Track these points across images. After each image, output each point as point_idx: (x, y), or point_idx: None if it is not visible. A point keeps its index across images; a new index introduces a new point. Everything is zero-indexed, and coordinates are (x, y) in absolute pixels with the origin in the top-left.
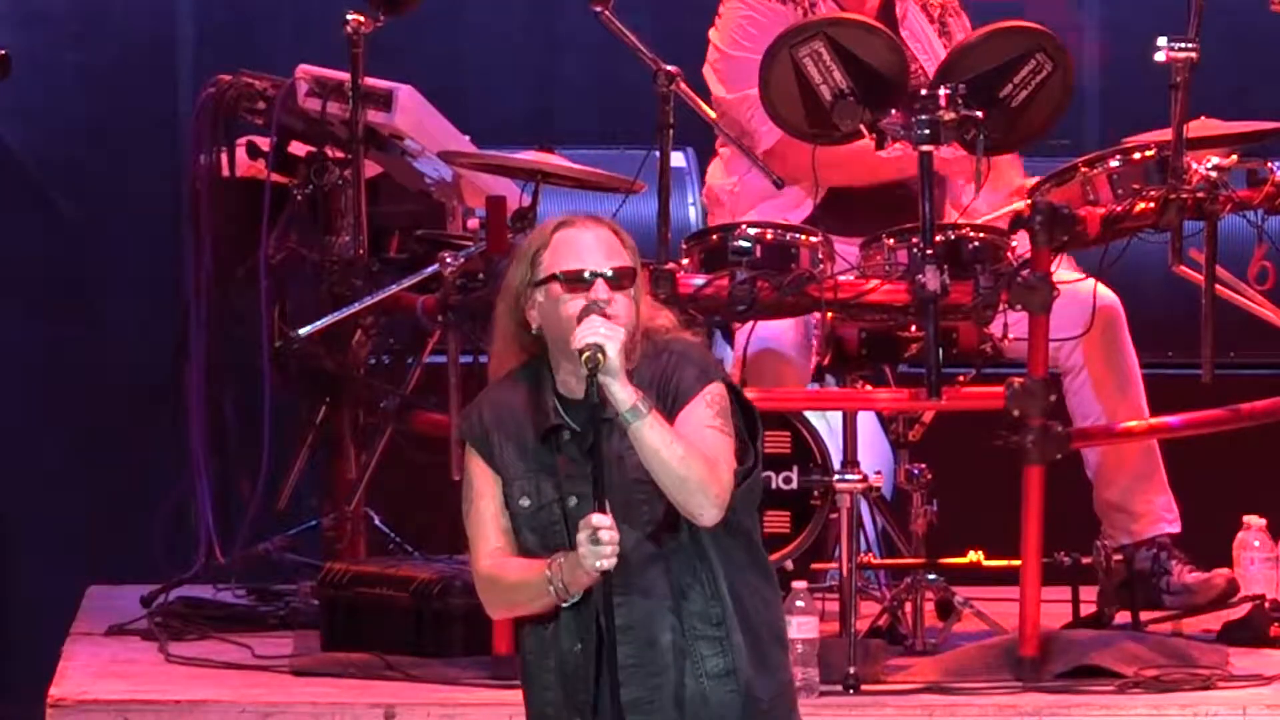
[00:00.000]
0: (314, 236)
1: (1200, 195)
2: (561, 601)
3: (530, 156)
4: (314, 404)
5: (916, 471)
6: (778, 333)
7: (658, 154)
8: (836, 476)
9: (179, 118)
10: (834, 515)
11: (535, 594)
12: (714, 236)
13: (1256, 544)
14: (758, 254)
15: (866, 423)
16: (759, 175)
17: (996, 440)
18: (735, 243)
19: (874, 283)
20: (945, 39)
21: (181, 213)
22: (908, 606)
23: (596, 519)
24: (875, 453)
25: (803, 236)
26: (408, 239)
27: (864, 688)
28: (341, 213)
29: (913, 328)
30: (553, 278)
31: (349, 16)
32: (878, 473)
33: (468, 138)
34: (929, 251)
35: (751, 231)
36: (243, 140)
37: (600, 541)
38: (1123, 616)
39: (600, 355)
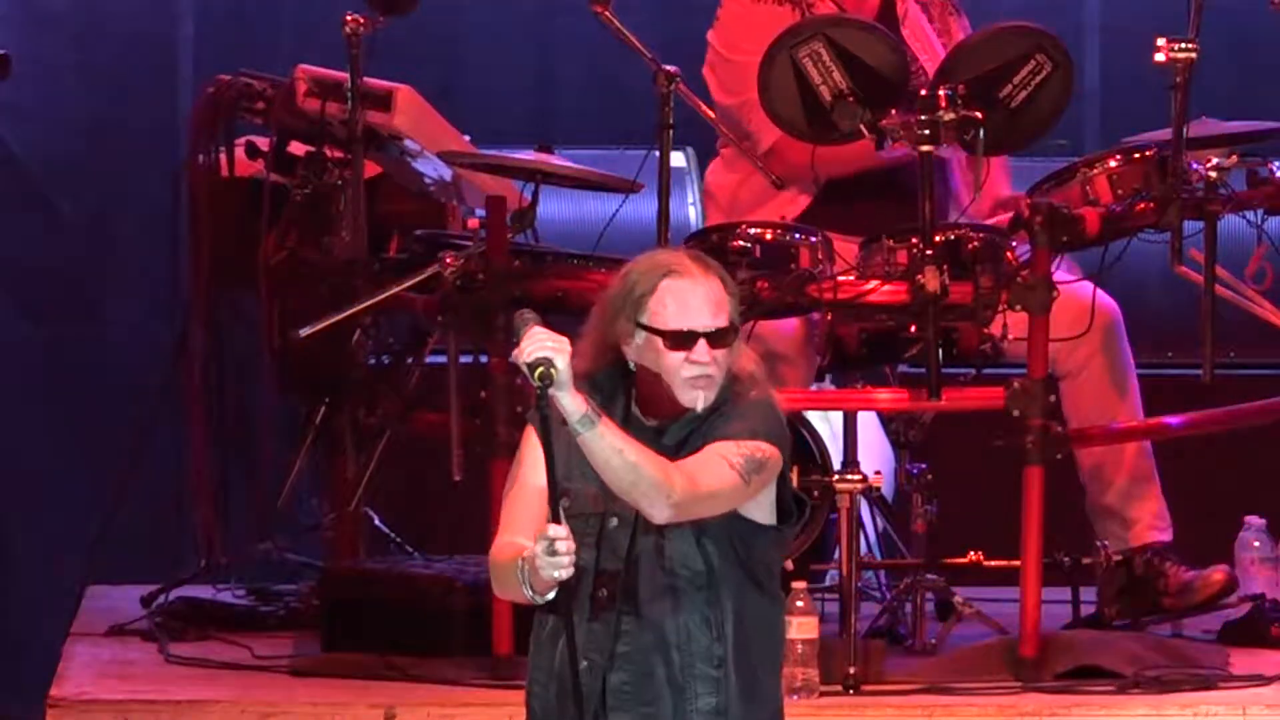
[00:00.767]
0: (314, 236)
1: (1200, 195)
2: (531, 599)
3: (530, 156)
4: (314, 404)
5: (916, 471)
6: (779, 333)
7: (658, 154)
8: (836, 477)
9: (179, 118)
10: (834, 515)
11: (514, 585)
12: (714, 236)
13: (1256, 544)
14: (758, 254)
15: (867, 423)
16: (758, 176)
17: (996, 440)
18: (735, 243)
19: (874, 283)
20: (945, 39)
21: (181, 213)
22: (908, 606)
23: (553, 530)
24: (876, 453)
25: (803, 236)
26: (408, 239)
27: (864, 688)
28: (341, 213)
29: (913, 328)
30: (657, 332)
31: (348, 17)
32: (878, 473)
33: (467, 138)
34: (929, 251)
35: (751, 231)
36: (242, 140)
37: (556, 553)
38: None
39: (552, 370)
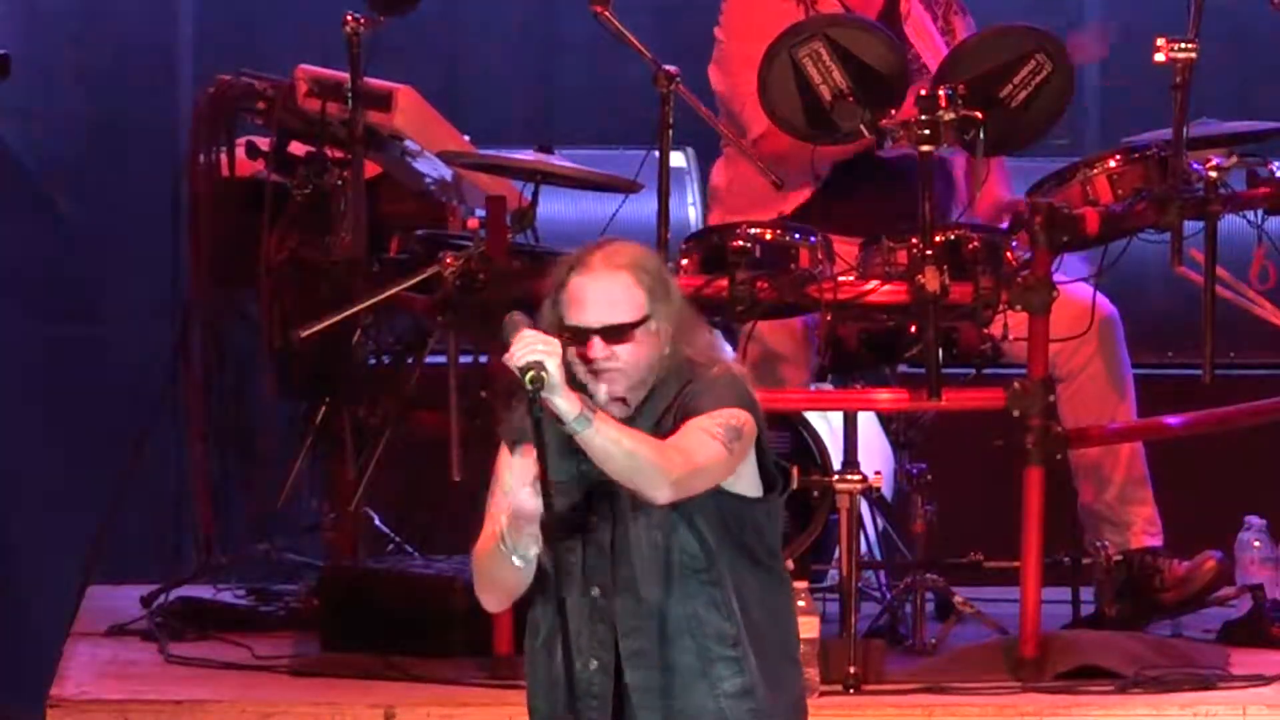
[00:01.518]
0: (314, 236)
1: (1200, 195)
2: (509, 557)
3: (530, 156)
4: (314, 404)
5: (916, 471)
6: (779, 333)
7: (657, 154)
8: (836, 477)
9: (179, 118)
10: (834, 515)
11: (498, 563)
12: (714, 236)
13: (1256, 544)
14: (758, 254)
15: (867, 423)
16: (758, 175)
17: (996, 440)
18: (735, 243)
19: (874, 283)
20: (949, 37)
21: (181, 213)
22: (908, 606)
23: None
24: (876, 453)
25: (802, 236)
26: (408, 239)
27: (864, 688)
28: (341, 213)
29: (913, 328)
30: (559, 327)
31: (348, 17)
32: (877, 473)
33: (467, 138)
34: (929, 251)
35: (751, 231)
36: (242, 140)
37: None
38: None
39: (543, 373)
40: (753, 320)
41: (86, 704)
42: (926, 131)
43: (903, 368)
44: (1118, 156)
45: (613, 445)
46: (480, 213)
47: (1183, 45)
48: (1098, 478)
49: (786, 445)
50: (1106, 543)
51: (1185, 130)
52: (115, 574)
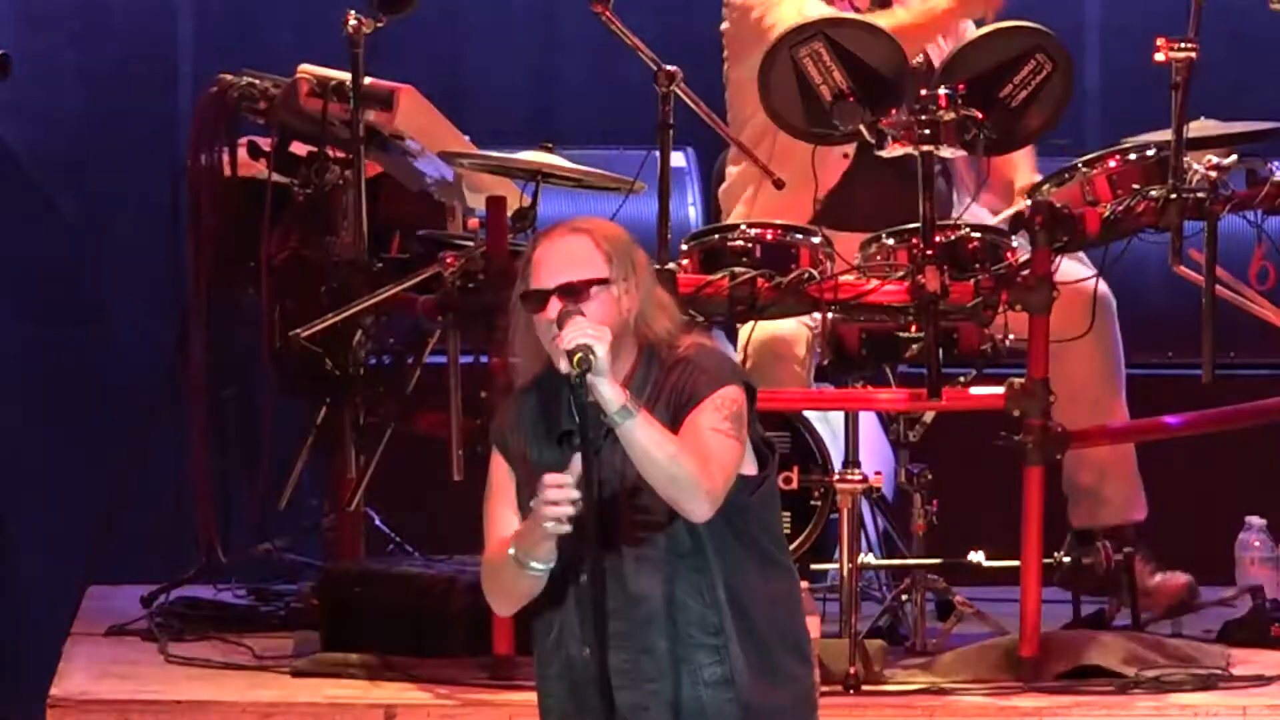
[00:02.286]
0: (314, 236)
1: (1200, 195)
2: (523, 570)
3: (530, 156)
4: (314, 404)
5: (916, 471)
6: (779, 333)
7: (658, 154)
8: (837, 477)
9: (179, 118)
10: (834, 515)
11: (509, 572)
12: (714, 236)
13: (1256, 544)
14: (758, 254)
15: (867, 423)
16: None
17: (996, 440)
18: (735, 243)
19: (874, 283)
20: (949, 37)
21: (181, 213)
22: (908, 606)
23: (550, 477)
24: (876, 453)
25: (803, 236)
26: (408, 239)
27: (864, 688)
28: (342, 213)
29: (913, 328)
30: (522, 299)
31: (349, 17)
32: (878, 473)
33: (468, 138)
34: (929, 251)
35: (751, 231)
36: (244, 140)
37: (552, 500)
38: (1122, 617)
39: (591, 356)
40: (753, 320)
41: (86, 704)
42: (926, 131)
43: (903, 368)
44: (1118, 156)
45: (655, 447)
46: (480, 213)
47: (1183, 45)
48: (1080, 453)
49: (786, 445)
50: (1107, 543)
51: (1185, 130)
52: (115, 574)
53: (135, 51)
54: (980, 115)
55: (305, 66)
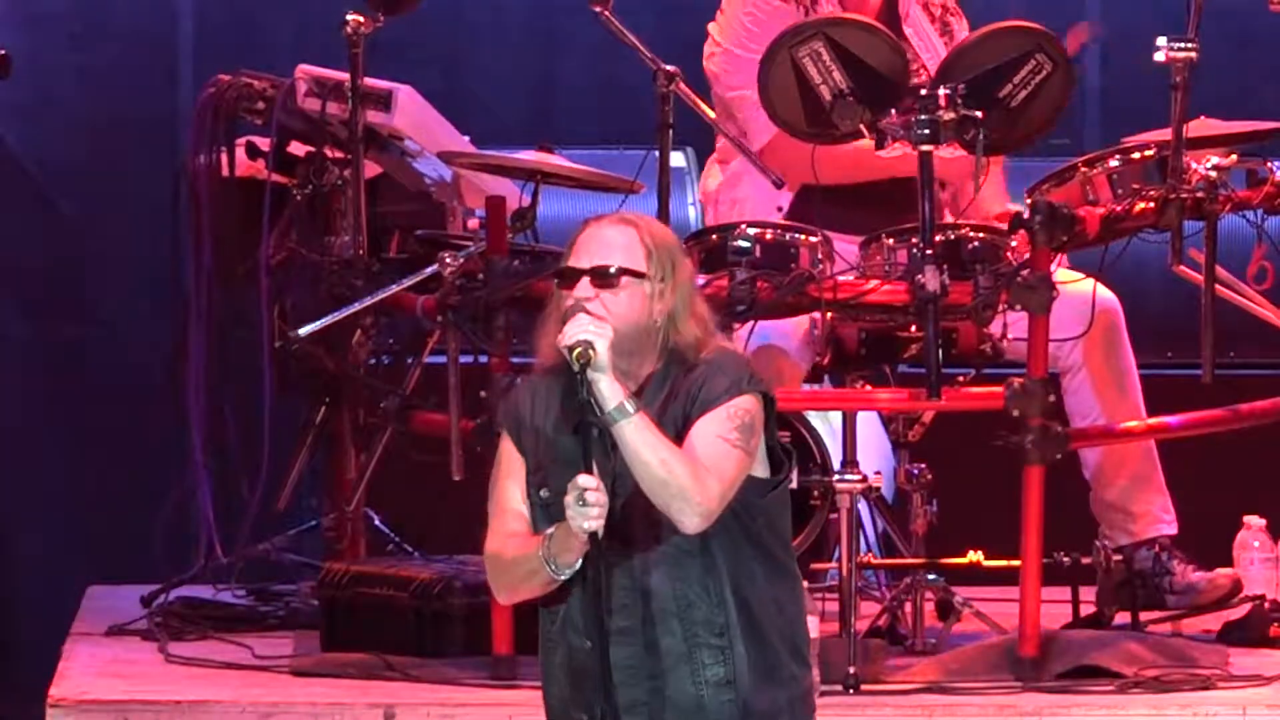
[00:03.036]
0: (314, 236)
1: (1200, 195)
2: (554, 576)
3: (530, 156)
4: (314, 404)
5: (916, 471)
6: (779, 332)
7: (658, 154)
8: (836, 477)
9: (179, 118)
10: (834, 515)
11: (530, 570)
12: (714, 236)
13: (1256, 544)
14: (758, 254)
15: (867, 423)
16: (755, 174)
17: (996, 440)
18: (735, 243)
19: (874, 283)
20: (947, 38)
21: (181, 213)
22: (908, 606)
23: (583, 480)
24: (875, 453)
25: (803, 236)
26: (408, 239)
27: (864, 688)
28: (341, 213)
29: (913, 328)
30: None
31: (349, 17)
32: (877, 473)
33: (467, 138)
34: (929, 251)
35: (751, 231)
36: (242, 140)
37: (586, 503)
38: (1123, 617)
39: (591, 351)
40: (753, 320)
41: (86, 704)
42: (926, 131)
43: (903, 368)
44: (1118, 156)
45: (647, 449)
46: (480, 213)
47: (1183, 45)
48: (1106, 469)
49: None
50: (1109, 539)
51: (1185, 130)
52: (115, 574)
53: (135, 51)
54: (980, 115)
55: (304, 66)
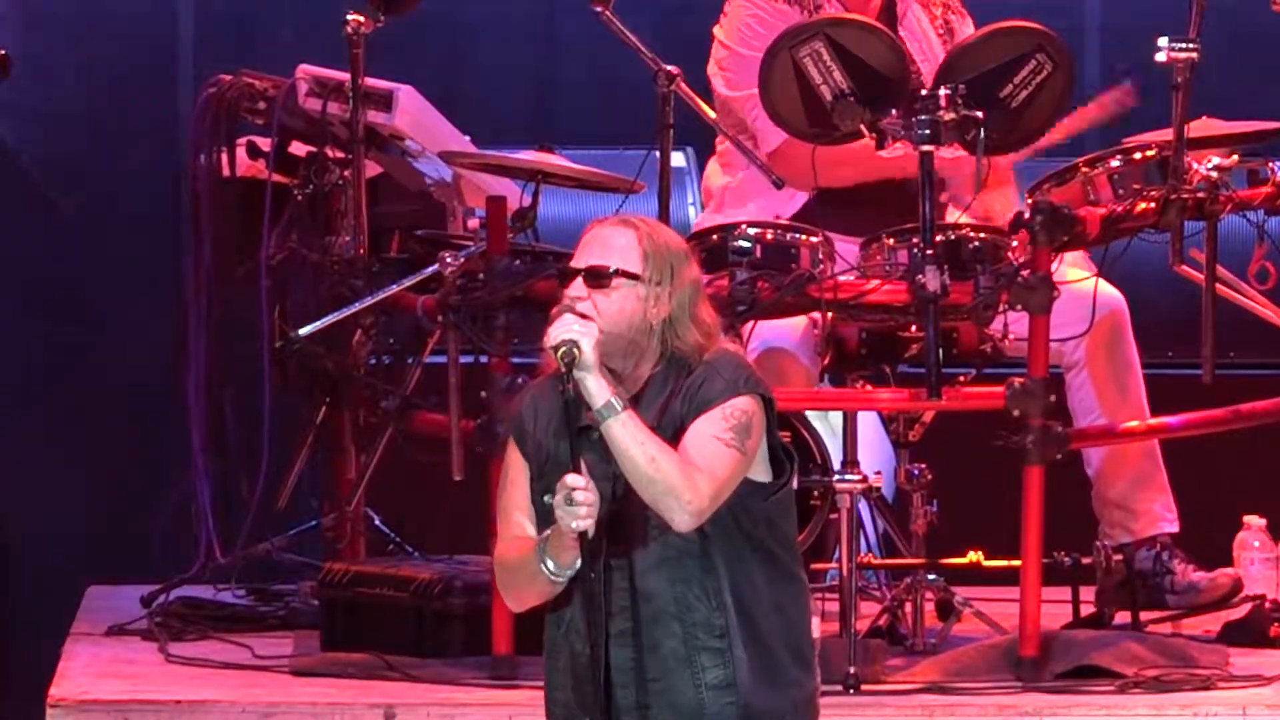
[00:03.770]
0: (314, 236)
1: (1201, 195)
2: (552, 579)
3: (530, 156)
4: (314, 404)
5: (916, 471)
6: (783, 332)
7: (658, 154)
8: (836, 477)
9: (179, 118)
10: (834, 515)
11: (532, 573)
12: (714, 236)
13: (1256, 544)
14: (758, 254)
15: (867, 423)
16: (756, 174)
17: (996, 440)
18: (735, 243)
19: (874, 283)
20: (948, 38)
21: (181, 213)
22: (908, 606)
23: (571, 479)
24: (876, 453)
25: (803, 236)
26: (408, 239)
27: (864, 688)
28: (341, 213)
29: (913, 328)
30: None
31: (349, 17)
32: (878, 473)
33: (468, 138)
34: (929, 251)
35: (751, 231)
36: (243, 140)
37: (575, 502)
38: (1123, 616)
39: (576, 350)
40: (753, 320)
41: (86, 704)
42: (926, 131)
43: (903, 368)
44: (1118, 156)
45: (635, 446)
46: (480, 213)
47: (1184, 45)
48: (1109, 468)
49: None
50: (1109, 538)
51: (1186, 130)
52: (115, 574)
53: (135, 51)
54: (980, 115)
55: (304, 66)
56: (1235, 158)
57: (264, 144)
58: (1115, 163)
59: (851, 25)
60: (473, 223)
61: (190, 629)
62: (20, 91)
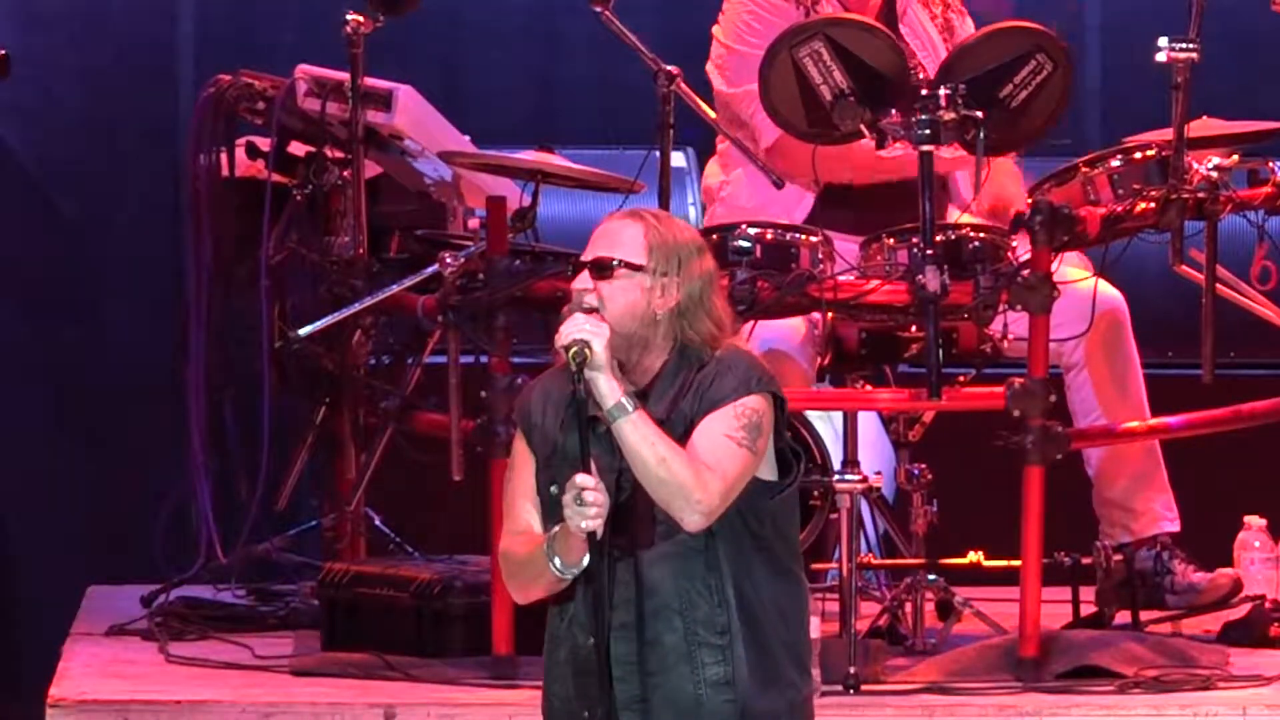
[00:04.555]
0: (314, 236)
1: (1201, 195)
2: (558, 575)
3: (530, 156)
4: (314, 404)
5: (916, 471)
6: (782, 333)
7: (658, 154)
8: (837, 477)
9: (179, 118)
10: (834, 515)
11: (538, 570)
12: (714, 236)
13: (1256, 544)
14: (758, 254)
15: (867, 423)
16: (757, 174)
17: (996, 440)
18: (735, 243)
19: (874, 283)
20: (948, 36)
21: (181, 213)
22: (908, 606)
23: (581, 479)
24: (876, 453)
25: (803, 236)
26: (408, 239)
27: (864, 688)
28: (341, 213)
29: (913, 328)
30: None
31: (349, 17)
32: (878, 473)
33: (467, 138)
34: (929, 251)
35: (751, 231)
36: (242, 140)
37: (585, 502)
38: (1123, 616)
39: (587, 350)
40: (753, 320)
41: (86, 704)
42: (926, 131)
43: (903, 368)
44: (1119, 156)
45: (646, 446)
46: (480, 213)
47: (1184, 45)
48: (1109, 467)
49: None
50: (1109, 537)
51: (1186, 130)
52: (115, 574)
53: (135, 52)
54: (980, 115)
55: (304, 66)
56: (1235, 157)
57: (263, 144)
58: (1115, 163)
59: (851, 25)
60: (473, 223)
61: (190, 629)
62: (20, 91)
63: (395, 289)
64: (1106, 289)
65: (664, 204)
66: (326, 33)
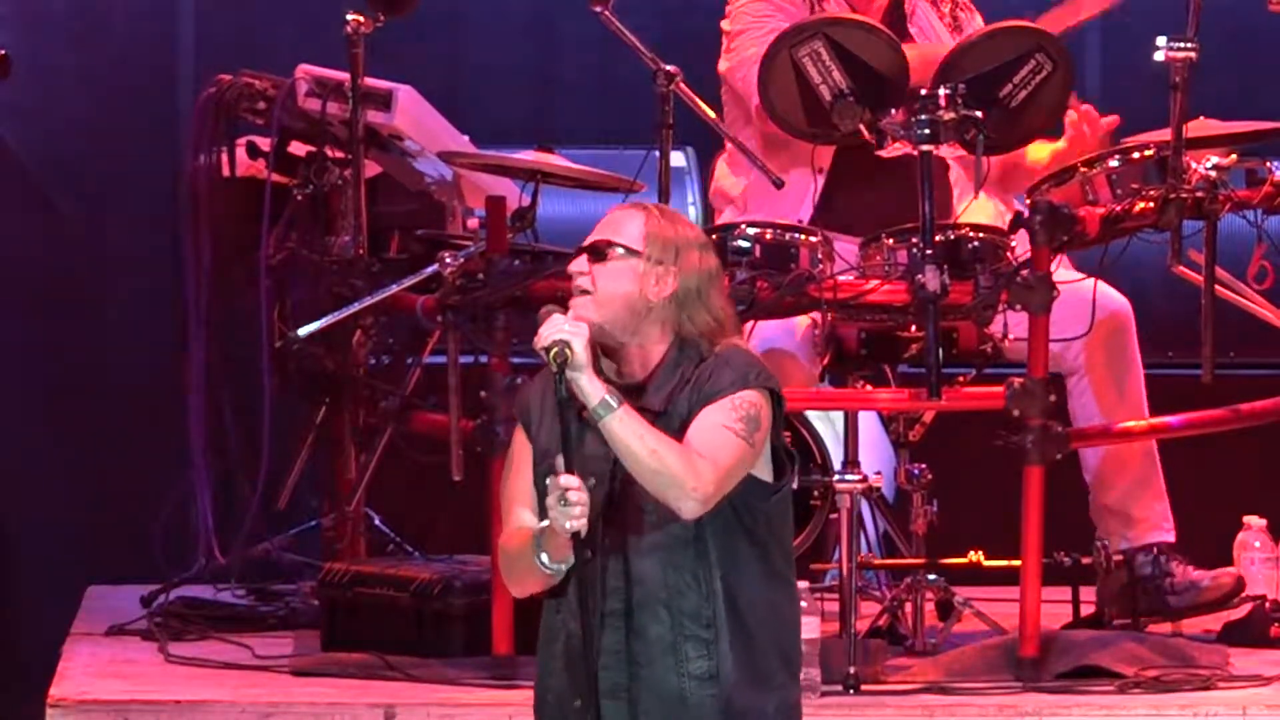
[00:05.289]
0: (314, 236)
1: (1199, 195)
2: (545, 571)
3: (530, 156)
4: (314, 404)
5: (916, 471)
6: (784, 332)
7: (658, 154)
8: (836, 477)
9: (179, 118)
10: (834, 515)
11: (530, 565)
12: (714, 236)
13: (1256, 544)
14: (757, 254)
15: (867, 423)
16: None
17: (996, 440)
18: (735, 243)
19: (874, 283)
20: (957, 34)
21: (181, 213)
22: (908, 606)
23: (565, 479)
24: (876, 453)
25: (803, 236)
26: (408, 239)
27: (864, 688)
28: (341, 213)
29: (913, 328)
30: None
31: (349, 17)
32: (878, 473)
33: (467, 138)
34: (929, 251)
35: (751, 231)
36: (243, 140)
37: (569, 502)
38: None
39: (568, 351)
40: (753, 320)
41: (86, 704)
42: (926, 131)
43: (903, 368)
44: (1117, 156)
45: (635, 440)
46: (480, 213)
47: (1182, 45)
48: (1107, 473)
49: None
50: (1108, 541)
51: (1185, 130)
52: (115, 574)
53: (135, 52)
54: (980, 115)
55: (304, 66)
56: (1234, 157)
57: (264, 144)
58: (1114, 163)
59: (850, 25)
60: (472, 223)
61: (190, 629)
62: (20, 91)
63: (395, 289)
64: (1112, 294)
65: (663, 203)
66: (326, 33)
